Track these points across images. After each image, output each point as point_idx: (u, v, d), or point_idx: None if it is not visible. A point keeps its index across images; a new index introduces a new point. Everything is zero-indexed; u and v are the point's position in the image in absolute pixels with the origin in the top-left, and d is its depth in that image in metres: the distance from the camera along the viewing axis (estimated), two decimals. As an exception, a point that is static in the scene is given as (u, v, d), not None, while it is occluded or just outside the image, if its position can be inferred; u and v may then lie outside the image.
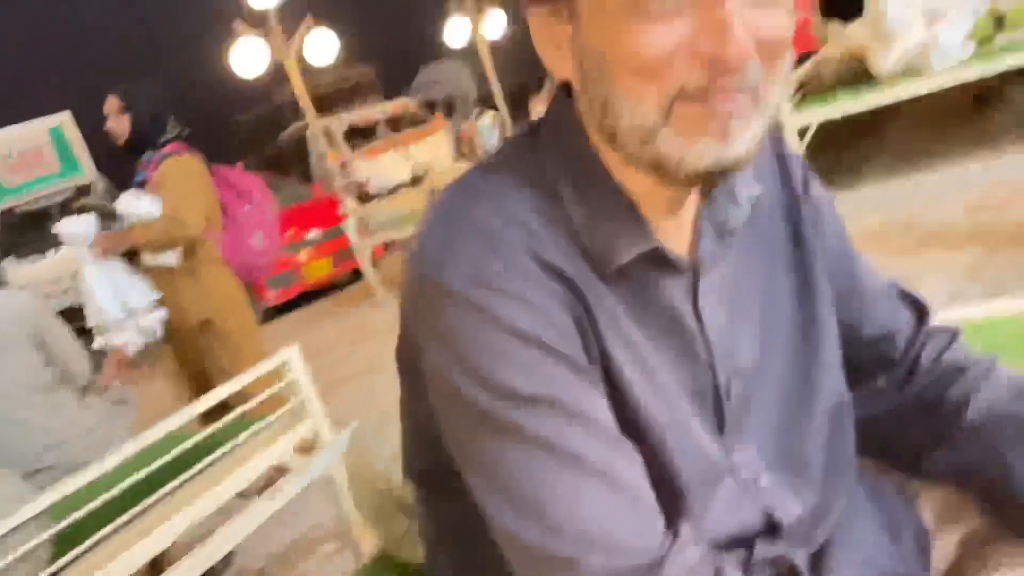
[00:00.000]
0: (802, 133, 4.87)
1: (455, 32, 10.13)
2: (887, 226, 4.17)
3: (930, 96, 6.09)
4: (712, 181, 0.62)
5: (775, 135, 0.79)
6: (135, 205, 2.82)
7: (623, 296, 0.65)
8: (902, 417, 0.81)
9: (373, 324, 6.16)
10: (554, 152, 0.66)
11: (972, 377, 0.77)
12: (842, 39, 6.39)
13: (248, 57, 6.79)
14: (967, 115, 6.02)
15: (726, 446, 0.70)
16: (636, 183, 0.65)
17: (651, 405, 0.65)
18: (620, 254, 0.63)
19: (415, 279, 0.63)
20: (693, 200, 0.69)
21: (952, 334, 0.82)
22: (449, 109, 18.58)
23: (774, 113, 0.60)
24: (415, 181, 11.36)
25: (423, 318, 0.63)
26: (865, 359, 0.81)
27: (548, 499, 0.59)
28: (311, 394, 2.27)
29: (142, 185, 2.93)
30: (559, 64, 0.63)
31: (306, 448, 2.13)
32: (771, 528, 0.70)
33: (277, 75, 7.65)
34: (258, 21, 6.91)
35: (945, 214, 4.02)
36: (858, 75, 5.21)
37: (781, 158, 0.78)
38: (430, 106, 15.72)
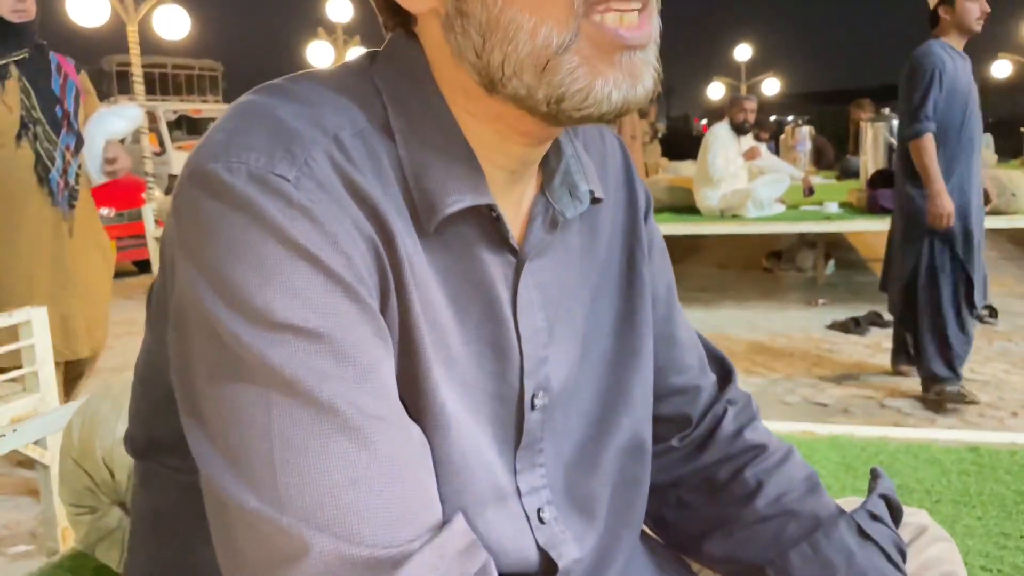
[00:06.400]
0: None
1: (317, 54, 9.89)
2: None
3: (736, 239, 6.66)
4: (619, 115, 0.52)
5: (624, 150, 0.73)
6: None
7: (438, 260, 0.55)
8: (688, 493, 0.76)
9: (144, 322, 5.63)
10: (391, 83, 0.56)
11: (768, 462, 0.73)
12: (672, 172, 6.90)
13: (86, 5, 6.23)
14: (761, 267, 6.62)
15: (516, 466, 0.61)
16: (483, 140, 0.56)
17: (444, 392, 0.54)
18: (448, 202, 0.53)
19: (185, 175, 0.49)
20: (532, 183, 0.62)
21: (753, 411, 0.78)
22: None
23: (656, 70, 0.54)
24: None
25: (181, 218, 0.49)
26: (664, 412, 0.74)
27: (284, 457, 0.45)
28: (48, 366, 1.97)
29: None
30: None
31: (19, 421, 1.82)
32: (547, 570, 0.61)
33: (114, 39, 7.08)
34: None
35: (727, 348, 4.31)
36: (684, 205, 5.59)
37: (628, 172, 0.72)
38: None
